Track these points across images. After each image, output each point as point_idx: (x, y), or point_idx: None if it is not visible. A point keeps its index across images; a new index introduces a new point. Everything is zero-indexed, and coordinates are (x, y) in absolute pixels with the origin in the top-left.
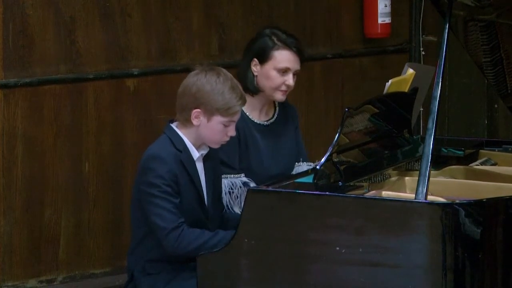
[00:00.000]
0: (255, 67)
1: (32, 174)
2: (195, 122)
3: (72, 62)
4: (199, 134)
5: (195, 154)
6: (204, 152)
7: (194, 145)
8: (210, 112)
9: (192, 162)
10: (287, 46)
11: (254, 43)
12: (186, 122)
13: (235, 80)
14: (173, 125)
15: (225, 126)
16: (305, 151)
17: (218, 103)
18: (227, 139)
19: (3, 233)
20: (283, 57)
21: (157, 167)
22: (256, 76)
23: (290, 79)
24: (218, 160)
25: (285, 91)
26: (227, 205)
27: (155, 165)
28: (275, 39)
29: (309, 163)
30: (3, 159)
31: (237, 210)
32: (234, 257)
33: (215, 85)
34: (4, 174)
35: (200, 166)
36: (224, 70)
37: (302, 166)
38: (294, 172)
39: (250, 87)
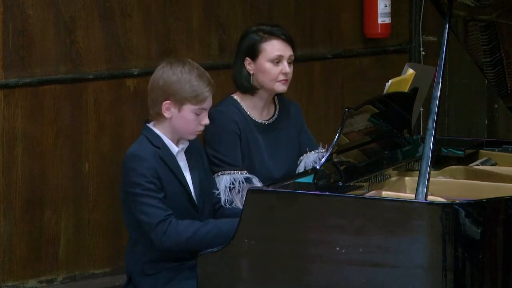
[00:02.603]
0: (250, 66)
1: (32, 174)
2: (166, 114)
3: (72, 62)
4: (173, 126)
5: (175, 149)
6: (184, 146)
7: (172, 140)
8: (179, 102)
9: (172, 157)
10: (274, 35)
11: (242, 43)
12: (159, 116)
13: (202, 69)
14: (150, 125)
15: (197, 114)
16: (314, 142)
17: (186, 91)
18: (202, 128)
19: (3, 233)
20: (273, 47)
21: (137, 166)
22: (253, 74)
23: (285, 67)
24: (203, 152)
25: (285, 80)
26: (225, 201)
27: (134, 164)
28: (261, 33)
29: (317, 150)
30: (3, 159)
31: (240, 205)
32: (234, 257)
33: (181, 75)
34: (4, 174)
35: (182, 160)
36: (190, 60)
37: (309, 157)
38: (300, 164)
39: (247, 86)
